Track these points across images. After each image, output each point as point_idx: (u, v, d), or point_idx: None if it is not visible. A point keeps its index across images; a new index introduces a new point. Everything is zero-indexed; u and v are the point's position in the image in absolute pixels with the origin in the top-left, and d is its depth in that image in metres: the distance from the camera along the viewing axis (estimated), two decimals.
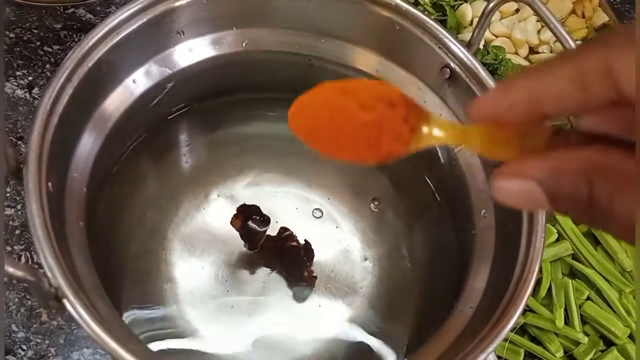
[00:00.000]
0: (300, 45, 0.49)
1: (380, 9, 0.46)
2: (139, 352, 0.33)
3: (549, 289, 0.58)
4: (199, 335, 0.47)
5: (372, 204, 0.53)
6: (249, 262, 0.50)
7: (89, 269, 0.38)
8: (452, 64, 0.46)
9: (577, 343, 0.56)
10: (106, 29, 0.41)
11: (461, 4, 0.72)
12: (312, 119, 0.23)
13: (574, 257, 0.60)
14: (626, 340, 0.56)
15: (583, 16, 0.75)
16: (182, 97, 0.50)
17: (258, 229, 0.47)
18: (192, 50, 0.47)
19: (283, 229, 0.50)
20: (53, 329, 0.52)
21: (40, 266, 0.33)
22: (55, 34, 0.66)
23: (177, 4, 0.44)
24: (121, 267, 0.48)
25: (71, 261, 0.36)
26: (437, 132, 0.23)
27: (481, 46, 0.69)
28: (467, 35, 0.70)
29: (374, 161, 0.23)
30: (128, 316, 0.46)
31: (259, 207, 0.48)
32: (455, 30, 0.71)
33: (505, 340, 0.55)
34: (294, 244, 0.49)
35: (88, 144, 0.42)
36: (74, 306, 0.32)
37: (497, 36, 0.72)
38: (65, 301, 0.32)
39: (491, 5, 0.44)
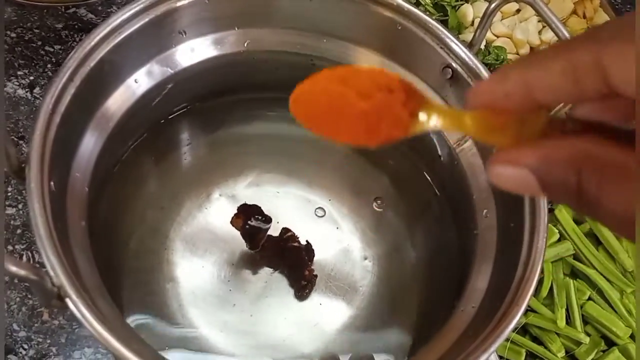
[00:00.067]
0: (302, 45, 0.49)
1: (382, 9, 0.46)
2: (141, 351, 0.33)
3: (551, 289, 0.58)
4: (200, 334, 0.47)
5: (374, 203, 0.54)
6: (251, 262, 0.50)
7: (91, 268, 0.38)
8: (453, 64, 0.46)
9: (578, 343, 0.56)
10: (108, 28, 0.41)
11: (462, 5, 0.72)
12: (311, 106, 0.24)
13: (576, 257, 0.60)
14: (627, 341, 0.56)
15: (584, 16, 0.75)
16: (184, 96, 0.50)
17: (259, 228, 0.47)
18: (194, 50, 0.47)
19: (285, 230, 0.50)
20: (54, 328, 0.52)
21: (42, 265, 0.33)
22: (56, 34, 0.66)
23: (178, 4, 0.44)
24: (123, 267, 0.48)
25: (73, 260, 0.36)
26: (435, 117, 0.23)
27: (482, 46, 0.69)
28: (468, 35, 0.70)
29: (374, 144, 0.23)
30: (129, 315, 0.46)
31: (260, 207, 0.48)
32: (457, 30, 0.71)
33: (507, 340, 0.55)
34: (296, 244, 0.49)
35: (90, 144, 0.42)
36: (76, 305, 0.32)
37: (498, 36, 0.72)
38: (67, 300, 0.32)
39: (493, 5, 0.44)
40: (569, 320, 0.57)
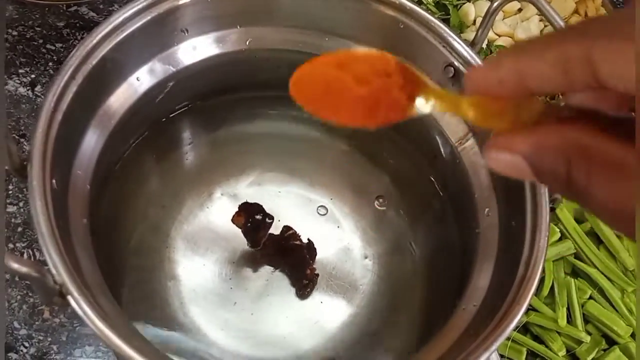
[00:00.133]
0: (304, 44, 0.49)
1: (385, 8, 0.46)
2: (142, 348, 0.33)
3: (552, 288, 0.58)
4: (201, 332, 0.47)
5: (376, 202, 0.54)
6: (252, 261, 0.50)
7: (93, 266, 0.38)
8: (455, 63, 0.46)
9: (579, 342, 0.56)
10: (110, 26, 0.41)
11: (464, 4, 0.72)
12: (310, 89, 0.24)
13: (577, 256, 0.60)
14: (628, 339, 0.56)
15: (586, 15, 0.75)
16: (186, 95, 0.50)
17: (261, 226, 0.47)
18: (196, 49, 0.47)
19: (286, 228, 0.50)
20: (55, 327, 0.52)
21: (44, 263, 0.33)
22: (57, 32, 0.66)
23: (181, 2, 0.44)
24: (124, 265, 0.48)
25: (75, 258, 0.36)
26: (433, 101, 0.23)
27: (484, 45, 0.69)
28: (469, 34, 0.70)
29: (373, 126, 0.23)
30: (130, 313, 0.46)
31: (261, 205, 0.48)
32: (458, 29, 0.71)
33: (508, 339, 0.55)
34: (297, 242, 0.49)
35: (92, 141, 0.42)
36: (78, 303, 0.32)
37: (500, 35, 0.72)
38: (69, 298, 0.32)
39: (495, 4, 0.44)
40: (570, 319, 0.57)
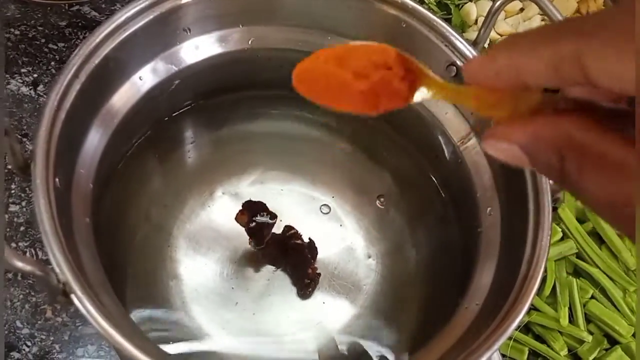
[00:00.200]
0: (306, 43, 0.49)
1: (387, 7, 0.46)
2: (145, 347, 0.33)
3: (554, 287, 0.58)
4: (203, 331, 0.47)
5: (377, 201, 0.54)
6: (254, 260, 0.50)
7: (95, 265, 0.38)
8: (458, 62, 0.46)
9: (581, 341, 0.56)
10: (113, 25, 0.41)
11: (466, 3, 0.72)
12: (312, 83, 0.25)
13: (578, 256, 0.60)
14: (630, 339, 0.56)
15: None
16: (188, 94, 0.50)
17: (265, 225, 0.47)
18: (198, 48, 0.47)
19: (288, 228, 0.50)
20: (57, 326, 0.53)
21: (46, 263, 0.33)
22: (60, 32, 0.66)
23: (183, 1, 0.44)
24: (126, 264, 0.48)
25: (78, 257, 0.36)
26: (433, 91, 0.24)
27: (486, 45, 0.69)
28: (471, 34, 0.70)
29: (375, 114, 0.24)
30: (133, 312, 0.46)
31: (264, 204, 0.48)
32: (460, 29, 0.71)
33: (510, 338, 0.55)
34: (299, 242, 0.49)
35: (95, 140, 0.42)
36: (81, 301, 0.32)
37: (502, 35, 0.72)
38: (73, 296, 0.32)
39: (497, 3, 0.44)
40: (572, 319, 0.57)
